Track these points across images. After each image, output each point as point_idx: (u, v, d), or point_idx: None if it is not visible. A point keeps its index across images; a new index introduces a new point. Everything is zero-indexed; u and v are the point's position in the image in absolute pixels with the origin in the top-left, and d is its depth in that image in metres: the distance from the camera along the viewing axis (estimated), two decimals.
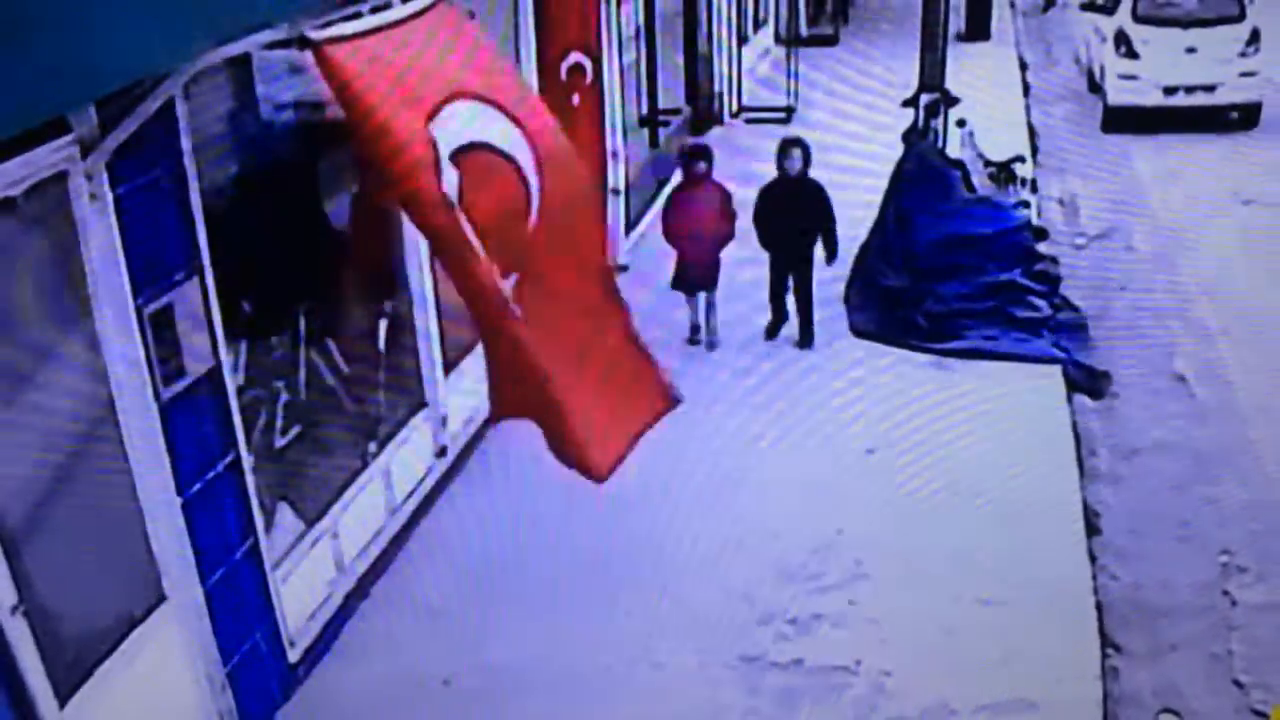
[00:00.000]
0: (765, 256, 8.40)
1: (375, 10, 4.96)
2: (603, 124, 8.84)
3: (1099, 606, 5.75)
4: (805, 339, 8.39)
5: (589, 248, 4.97)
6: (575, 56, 7.75)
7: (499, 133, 4.37)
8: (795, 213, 8.11)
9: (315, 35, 3.99)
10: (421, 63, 4.29)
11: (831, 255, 8.21)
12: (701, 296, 8.43)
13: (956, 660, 5.31)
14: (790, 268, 8.32)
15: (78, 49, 3.06)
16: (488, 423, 6.80)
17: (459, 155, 4.19)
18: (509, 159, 4.44)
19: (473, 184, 4.19)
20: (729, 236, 8.23)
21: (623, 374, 5.00)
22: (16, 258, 3.94)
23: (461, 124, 4.23)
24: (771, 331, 8.53)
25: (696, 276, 8.32)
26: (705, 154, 8.27)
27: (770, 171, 8.27)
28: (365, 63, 4.07)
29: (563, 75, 7.70)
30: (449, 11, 4.62)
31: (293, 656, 5.34)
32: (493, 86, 4.48)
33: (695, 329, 8.47)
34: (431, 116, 4.13)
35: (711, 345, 8.41)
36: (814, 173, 8.20)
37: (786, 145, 8.17)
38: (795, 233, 8.14)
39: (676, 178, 8.23)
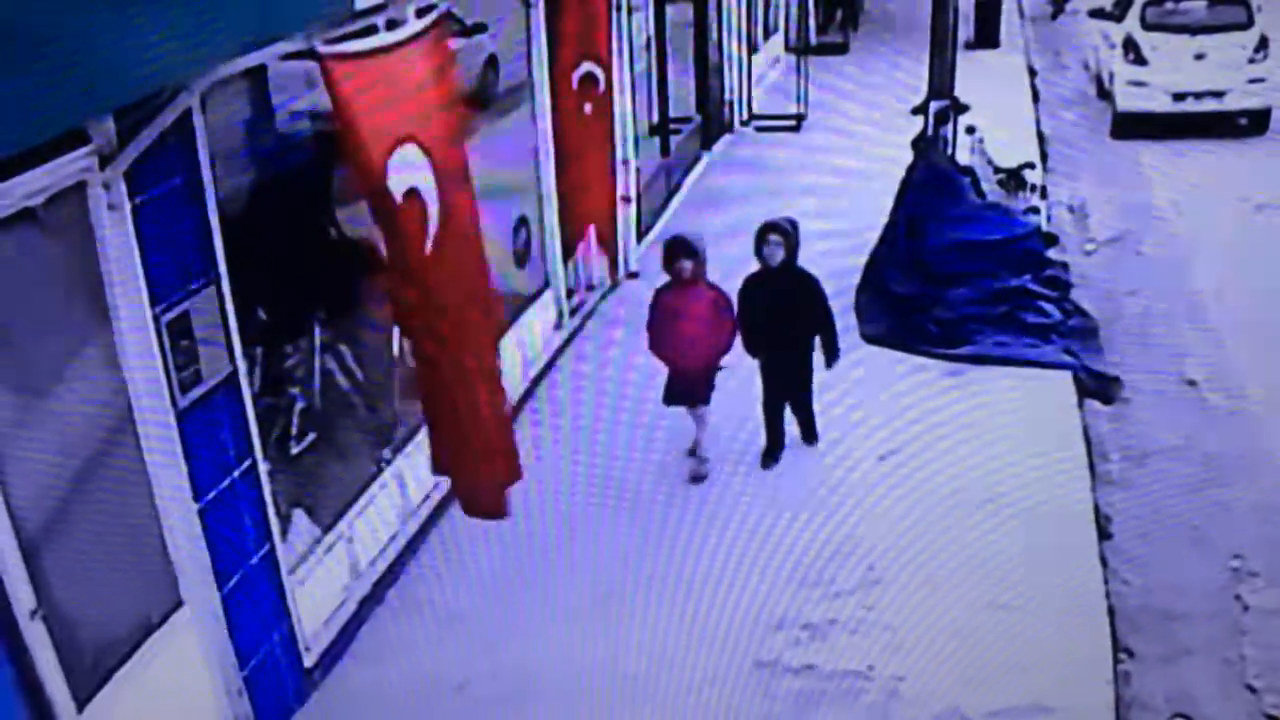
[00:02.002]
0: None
1: (390, 25, 5.03)
2: (613, 133, 8.87)
3: (1111, 611, 5.75)
4: (809, 437, 7.16)
5: (475, 292, 5.05)
6: (587, 66, 7.78)
7: (421, 178, 4.60)
8: (782, 313, 6.66)
9: (324, 50, 4.09)
10: (400, 95, 4.56)
11: (831, 359, 6.78)
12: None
13: (970, 665, 5.31)
14: (784, 377, 6.95)
15: (96, 61, 3.11)
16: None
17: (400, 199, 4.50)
18: (423, 202, 4.66)
19: (402, 227, 4.53)
20: (726, 347, 6.76)
21: (488, 438, 5.18)
22: (36, 267, 3.99)
23: (404, 168, 4.50)
24: (768, 458, 7.04)
25: (685, 389, 6.87)
26: (691, 250, 6.59)
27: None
28: (364, 84, 4.28)
29: (575, 84, 7.73)
30: (438, 42, 4.78)
31: (308, 661, 5.37)
32: (430, 128, 4.69)
33: (695, 442, 7.05)
34: (389, 154, 4.43)
35: (697, 477, 6.90)
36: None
37: (764, 231, 6.65)
38: (784, 337, 6.74)
39: (663, 276, 6.75)
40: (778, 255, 6.60)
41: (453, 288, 4.83)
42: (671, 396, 6.90)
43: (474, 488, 5.30)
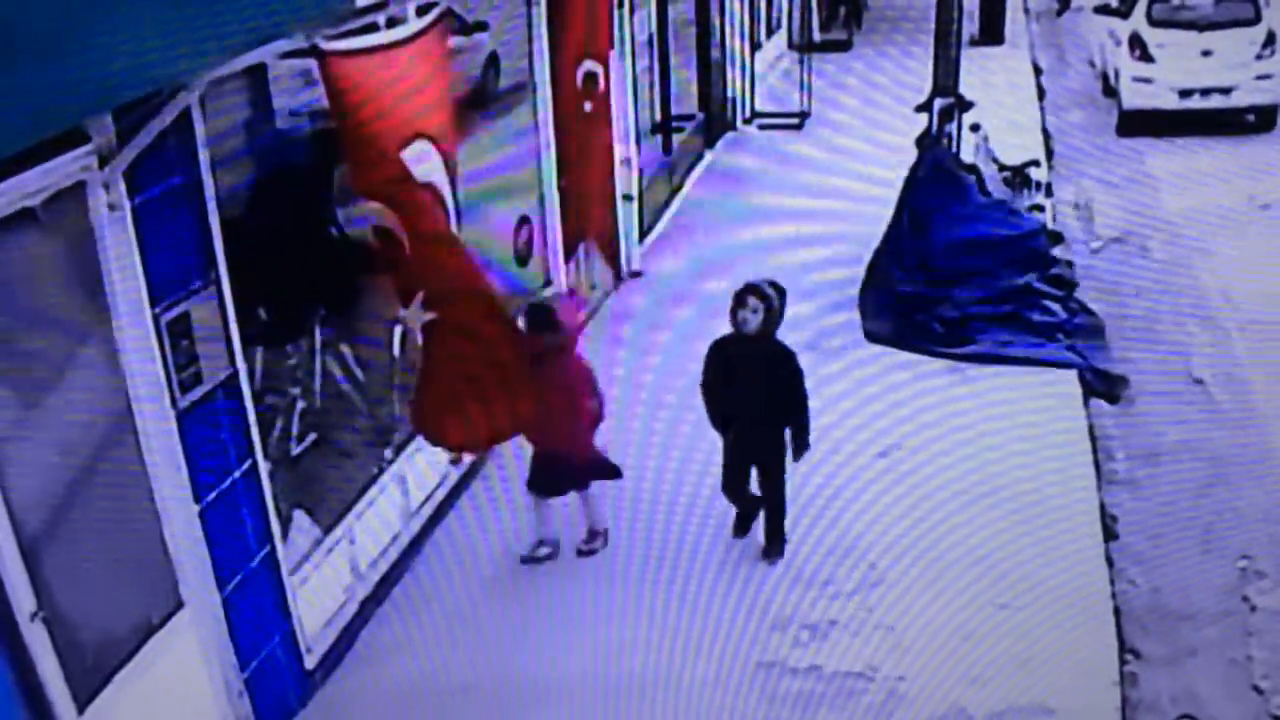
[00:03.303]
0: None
1: (391, 23, 5.03)
2: (612, 131, 8.85)
3: (1117, 612, 5.72)
4: (774, 547, 6.14)
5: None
6: (589, 65, 7.77)
7: (432, 167, 4.79)
8: (750, 388, 5.86)
9: (326, 46, 4.10)
10: (403, 92, 4.58)
11: (800, 450, 5.92)
12: (564, 499, 6.19)
13: (973, 666, 5.29)
14: (749, 458, 6.10)
15: (95, 60, 3.09)
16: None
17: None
18: (438, 192, 4.86)
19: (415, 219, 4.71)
20: (595, 420, 6.04)
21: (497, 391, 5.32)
22: (36, 267, 3.97)
23: (417, 162, 4.67)
24: (740, 527, 6.30)
25: (558, 474, 6.06)
26: (550, 321, 5.77)
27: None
28: (365, 78, 4.30)
29: (579, 83, 7.71)
30: (437, 40, 4.82)
31: (309, 663, 5.35)
32: (435, 122, 4.84)
33: (539, 544, 6.21)
34: (402, 147, 4.59)
35: (587, 552, 6.20)
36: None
37: (743, 293, 5.77)
38: (753, 415, 5.92)
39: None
40: (751, 323, 5.73)
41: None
42: (535, 483, 6.11)
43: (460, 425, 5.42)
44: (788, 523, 6.18)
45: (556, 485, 6.12)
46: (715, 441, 6.20)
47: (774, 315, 5.79)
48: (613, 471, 6.25)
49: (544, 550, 6.21)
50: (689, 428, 7.06)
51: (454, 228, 5.05)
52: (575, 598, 5.89)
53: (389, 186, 4.68)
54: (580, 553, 6.22)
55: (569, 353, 5.83)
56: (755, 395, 5.87)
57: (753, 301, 5.74)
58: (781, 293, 5.85)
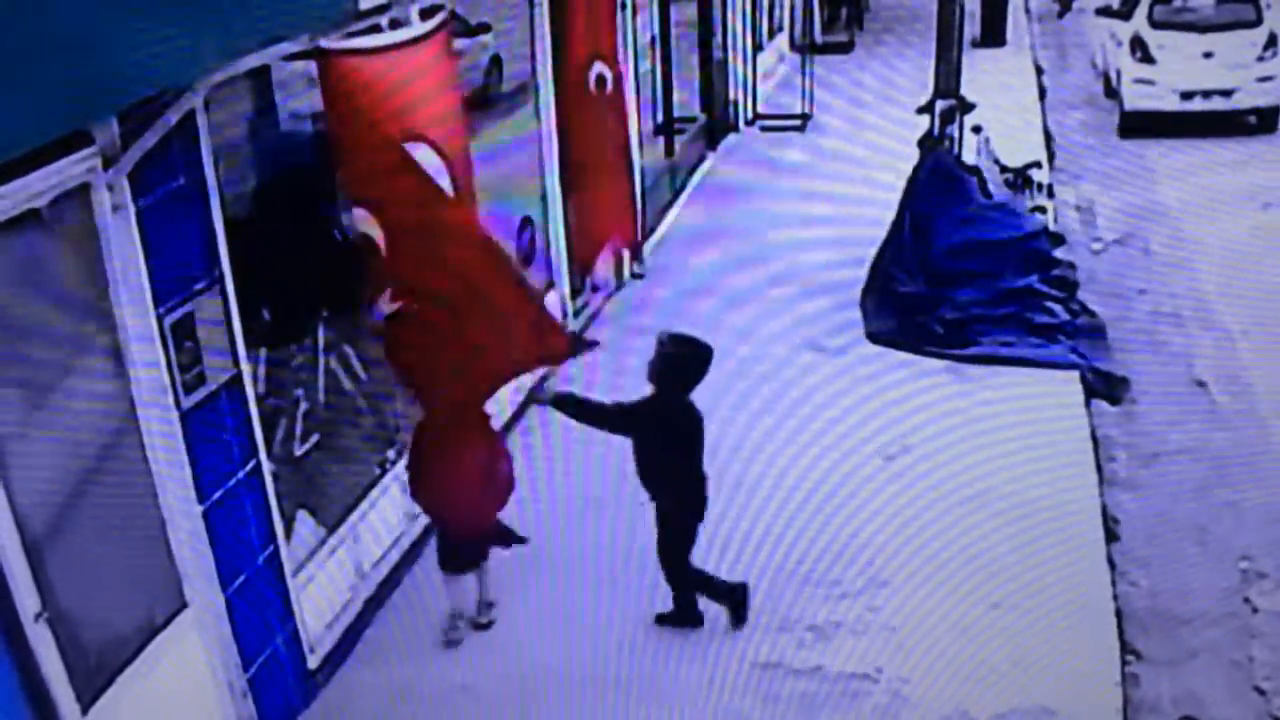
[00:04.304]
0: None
1: (394, 25, 5.04)
2: (628, 134, 8.82)
3: (1118, 613, 5.73)
4: (737, 620, 5.62)
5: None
6: (599, 67, 7.75)
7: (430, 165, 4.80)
8: (658, 450, 5.28)
9: (329, 46, 4.11)
10: (403, 94, 4.69)
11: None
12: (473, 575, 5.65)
13: (976, 667, 5.29)
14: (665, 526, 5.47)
15: (99, 62, 3.11)
16: (506, 429, 6.82)
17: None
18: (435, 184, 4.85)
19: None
20: (501, 502, 5.41)
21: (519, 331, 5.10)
22: (40, 269, 3.98)
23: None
24: (736, 615, 5.66)
25: (462, 553, 5.53)
26: None
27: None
28: (368, 79, 4.31)
29: (591, 85, 7.69)
30: (440, 46, 4.83)
31: (313, 663, 5.36)
32: (434, 125, 4.87)
33: (454, 616, 5.67)
34: (399, 149, 4.60)
35: (485, 625, 5.70)
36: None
37: (658, 345, 5.23)
38: (655, 480, 5.32)
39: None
40: (650, 371, 5.19)
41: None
42: (447, 561, 5.54)
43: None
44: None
45: (463, 562, 5.54)
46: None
47: (687, 368, 5.17)
48: (515, 538, 5.68)
49: (460, 628, 5.65)
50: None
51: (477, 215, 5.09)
52: (578, 598, 5.89)
53: (381, 189, 4.69)
54: (478, 626, 5.67)
55: (479, 412, 5.15)
56: (658, 457, 5.30)
57: (658, 349, 5.21)
58: (691, 346, 5.22)
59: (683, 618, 5.64)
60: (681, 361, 5.17)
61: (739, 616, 5.66)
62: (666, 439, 5.22)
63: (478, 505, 5.30)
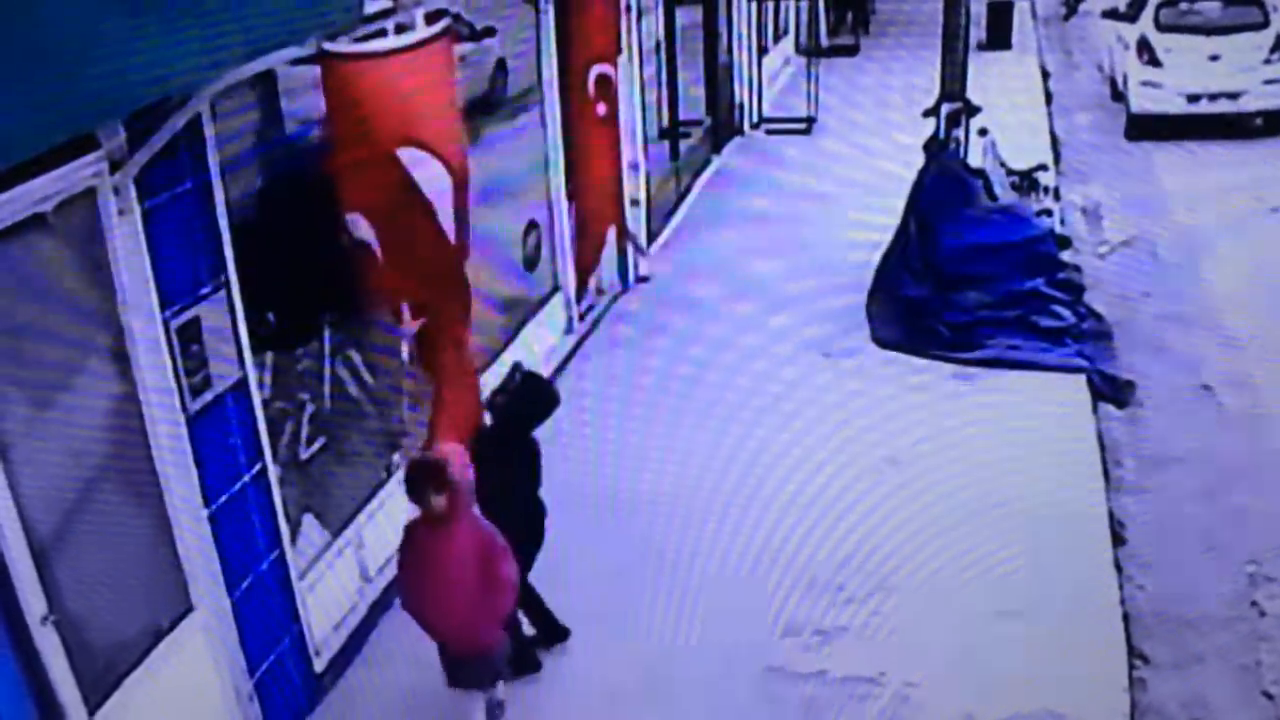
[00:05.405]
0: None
1: (399, 30, 5.05)
2: (619, 136, 8.86)
3: (1125, 617, 5.71)
4: (526, 666, 5.35)
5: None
6: (601, 68, 7.78)
7: (426, 177, 4.79)
8: (501, 479, 4.94)
9: (333, 49, 4.12)
10: (406, 97, 4.67)
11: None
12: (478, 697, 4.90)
13: (982, 672, 5.28)
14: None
15: (106, 66, 3.11)
16: None
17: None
18: (429, 205, 4.86)
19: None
20: (502, 609, 4.73)
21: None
22: (47, 272, 3.99)
23: (413, 169, 4.70)
24: (529, 658, 5.43)
25: (460, 667, 4.82)
26: (439, 477, 4.43)
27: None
28: (372, 84, 4.32)
29: (591, 88, 7.72)
30: (443, 50, 4.84)
31: (318, 665, 5.37)
32: (434, 131, 4.88)
33: None
34: (396, 152, 4.61)
35: None
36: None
37: (508, 378, 5.17)
38: (501, 507, 4.89)
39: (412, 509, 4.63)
40: (490, 402, 5.14)
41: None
42: (452, 676, 4.88)
43: None
44: None
45: (464, 678, 4.85)
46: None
47: (528, 397, 5.15)
48: (533, 662, 5.32)
49: None
50: (689, 429, 7.07)
51: (462, 238, 5.08)
52: (581, 599, 5.88)
53: (377, 194, 4.70)
54: None
55: (462, 516, 4.52)
56: (495, 490, 4.89)
57: (514, 380, 5.18)
58: (539, 384, 5.27)
59: (548, 636, 5.54)
60: (528, 399, 5.15)
61: (531, 660, 5.36)
62: (504, 470, 5.00)
63: (475, 616, 4.61)
